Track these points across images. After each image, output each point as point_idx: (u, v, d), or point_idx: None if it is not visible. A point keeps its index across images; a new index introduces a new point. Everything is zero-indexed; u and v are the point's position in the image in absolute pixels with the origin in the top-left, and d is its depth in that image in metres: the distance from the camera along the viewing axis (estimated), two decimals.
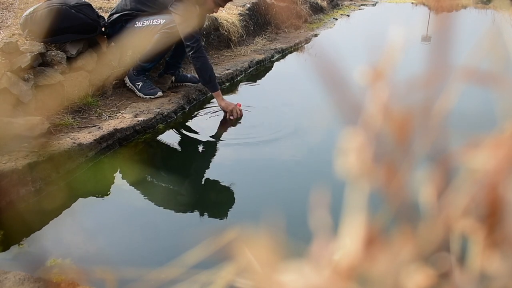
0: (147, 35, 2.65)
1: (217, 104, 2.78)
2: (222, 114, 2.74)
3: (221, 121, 2.66)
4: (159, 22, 2.64)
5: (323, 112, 2.64)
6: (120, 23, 2.72)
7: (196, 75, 3.09)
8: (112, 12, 2.78)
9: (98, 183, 1.91)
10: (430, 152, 0.25)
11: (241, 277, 0.26)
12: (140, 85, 2.75)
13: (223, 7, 2.87)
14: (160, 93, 2.76)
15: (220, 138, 2.44)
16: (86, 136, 2.08)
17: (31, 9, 2.46)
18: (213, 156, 2.24)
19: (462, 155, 0.24)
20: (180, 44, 2.72)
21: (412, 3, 7.92)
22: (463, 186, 0.24)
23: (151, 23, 2.65)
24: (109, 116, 2.41)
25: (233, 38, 4.15)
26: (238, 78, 3.53)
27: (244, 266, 0.25)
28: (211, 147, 2.35)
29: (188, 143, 2.38)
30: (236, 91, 3.28)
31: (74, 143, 1.99)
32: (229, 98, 3.04)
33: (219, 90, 2.72)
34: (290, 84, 3.46)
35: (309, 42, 5.01)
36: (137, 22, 2.68)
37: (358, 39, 4.69)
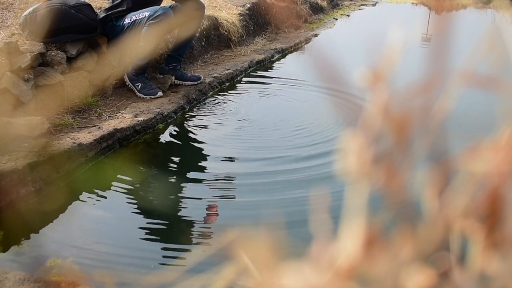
0: (136, 32, 2.61)
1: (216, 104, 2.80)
2: (221, 114, 2.74)
3: None
4: (144, 15, 2.60)
5: (323, 112, 2.64)
6: (110, 22, 2.68)
7: (196, 74, 3.10)
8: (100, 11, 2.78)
9: (98, 183, 1.91)
10: (430, 152, 0.26)
11: (241, 278, 0.26)
12: (140, 85, 2.74)
13: None
14: (160, 93, 2.76)
15: (220, 138, 2.44)
16: (86, 136, 2.08)
17: (31, 9, 2.47)
18: (213, 156, 2.24)
19: (463, 156, 0.24)
20: (182, 39, 2.71)
21: (412, 3, 7.91)
22: (463, 186, 0.24)
23: (137, 17, 2.61)
24: (109, 116, 2.41)
25: (233, 38, 4.15)
26: (238, 78, 3.53)
27: (244, 267, 0.25)
28: (211, 147, 2.35)
29: (188, 143, 2.38)
30: (236, 91, 3.28)
31: (74, 143, 1.99)
32: (229, 98, 3.05)
33: None
34: (290, 84, 3.45)
35: (309, 42, 5.00)
36: (126, 19, 2.65)
37: (358, 39, 4.69)
